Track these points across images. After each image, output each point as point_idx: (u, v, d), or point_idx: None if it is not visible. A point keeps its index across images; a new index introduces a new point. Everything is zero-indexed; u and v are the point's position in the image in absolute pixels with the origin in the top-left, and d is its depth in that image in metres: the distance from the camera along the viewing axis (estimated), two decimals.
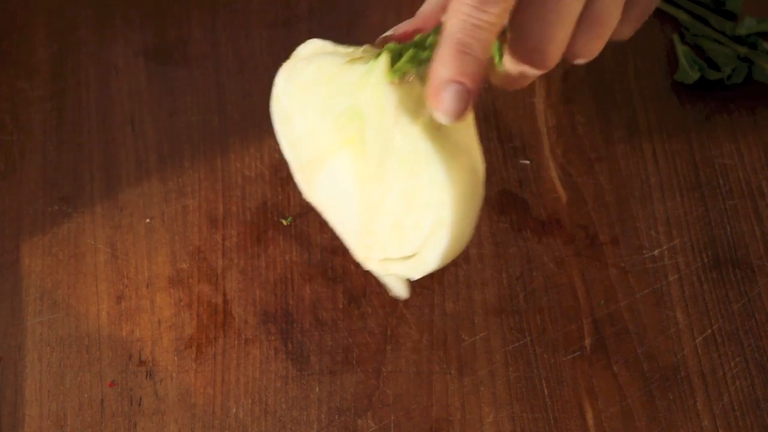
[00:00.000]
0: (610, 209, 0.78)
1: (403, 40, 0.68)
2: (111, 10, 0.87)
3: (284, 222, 0.78)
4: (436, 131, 0.64)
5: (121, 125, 0.82)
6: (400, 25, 0.70)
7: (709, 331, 0.74)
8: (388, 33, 0.70)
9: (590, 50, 0.68)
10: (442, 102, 0.63)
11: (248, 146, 0.81)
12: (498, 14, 0.63)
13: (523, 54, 0.67)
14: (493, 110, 0.81)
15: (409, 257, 0.67)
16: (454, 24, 0.63)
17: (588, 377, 0.72)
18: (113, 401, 0.71)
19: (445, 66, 0.63)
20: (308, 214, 0.78)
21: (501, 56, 0.66)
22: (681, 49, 0.85)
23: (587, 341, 0.74)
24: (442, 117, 0.63)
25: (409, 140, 0.64)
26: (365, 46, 0.68)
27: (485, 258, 0.76)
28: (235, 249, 0.77)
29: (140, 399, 0.71)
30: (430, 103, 0.64)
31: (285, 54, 0.85)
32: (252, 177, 0.80)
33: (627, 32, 0.71)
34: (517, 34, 0.66)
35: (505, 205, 0.78)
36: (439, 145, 0.64)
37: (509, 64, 0.68)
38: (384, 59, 0.65)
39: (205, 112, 0.83)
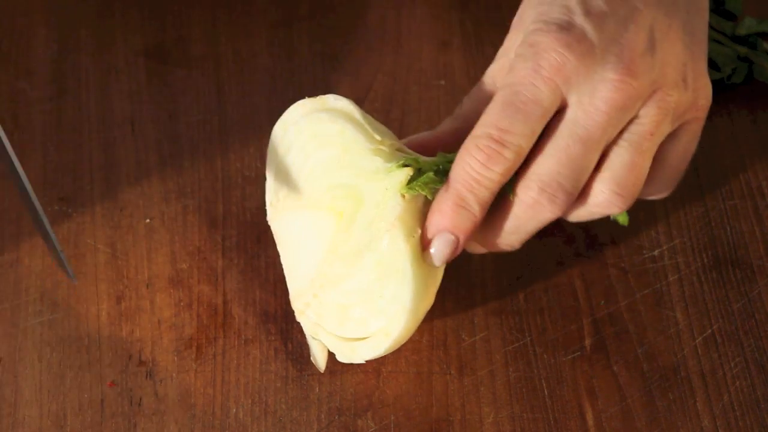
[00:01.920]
0: None
1: (425, 150, 0.70)
2: (111, 10, 0.87)
3: None
4: (420, 253, 0.67)
5: (121, 125, 0.82)
6: (424, 134, 0.72)
7: (709, 331, 0.74)
8: (413, 138, 0.72)
9: (582, 218, 0.69)
10: (433, 246, 0.66)
11: (248, 146, 0.81)
12: (501, 173, 0.65)
13: (488, 245, 0.70)
14: None
15: (342, 339, 0.69)
16: (458, 174, 0.66)
17: (588, 377, 0.72)
18: (113, 401, 0.71)
19: (442, 217, 0.66)
20: None
21: (513, 192, 0.67)
22: None
23: (587, 341, 0.74)
24: (428, 258, 0.67)
25: (394, 253, 0.66)
26: (391, 141, 0.69)
27: (485, 258, 0.76)
28: (235, 249, 0.77)
29: (140, 399, 0.71)
30: (422, 241, 0.66)
31: (285, 54, 0.85)
32: (252, 177, 0.80)
33: (659, 193, 0.71)
34: (483, 233, 0.68)
35: None
36: (418, 269, 0.66)
37: (476, 247, 0.71)
38: (405, 173, 0.67)
39: (205, 112, 0.83)
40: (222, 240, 0.77)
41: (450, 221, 0.66)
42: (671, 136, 0.68)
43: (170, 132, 0.82)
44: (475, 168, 0.65)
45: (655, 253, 0.77)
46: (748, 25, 0.85)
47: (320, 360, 0.71)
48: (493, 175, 0.65)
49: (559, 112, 0.66)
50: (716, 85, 0.83)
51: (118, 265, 0.76)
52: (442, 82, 0.83)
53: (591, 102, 0.65)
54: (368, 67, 0.84)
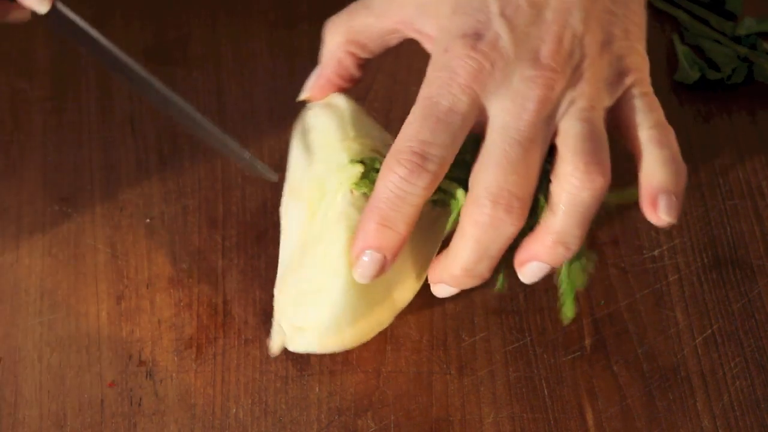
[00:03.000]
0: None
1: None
2: (111, 10, 0.87)
3: None
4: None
5: (121, 125, 0.82)
6: (312, 82, 0.72)
7: (709, 331, 0.74)
8: (303, 96, 0.72)
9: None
10: (360, 266, 0.65)
11: (248, 146, 0.81)
12: (425, 187, 0.64)
13: (457, 283, 0.68)
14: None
15: (293, 327, 0.69)
16: (381, 193, 0.64)
17: (588, 377, 0.72)
18: (113, 401, 0.71)
19: (366, 235, 0.65)
20: None
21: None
22: (681, 49, 0.85)
23: (587, 341, 0.74)
24: (357, 277, 0.66)
25: (334, 245, 0.66)
26: (370, 140, 0.69)
27: None
28: (235, 249, 0.77)
29: (140, 399, 0.71)
30: (350, 256, 0.66)
31: (285, 54, 0.85)
32: (252, 177, 0.80)
33: (673, 177, 0.67)
34: (447, 271, 0.67)
35: None
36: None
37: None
38: (357, 169, 0.67)
39: (205, 112, 0.83)
40: (222, 240, 0.77)
41: (375, 240, 0.64)
42: (621, 102, 0.67)
43: (170, 132, 0.82)
44: (397, 184, 0.63)
45: (655, 253, 0.77)
46: (748, 25, 0.85)
47: (274, 344, 0.71)
48: (417, 189, 0.63)
49: (486, 124, 0.65)
50: (716, 85, 0.83)
51: (118, 265, 0.76)
52: None
53: (515, 103, 0.64)
54: (368, 67, 0.84)
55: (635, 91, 0.67)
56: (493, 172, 0.63)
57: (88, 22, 0.87)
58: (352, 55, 0.71)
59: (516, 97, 0.64)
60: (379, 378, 0.72)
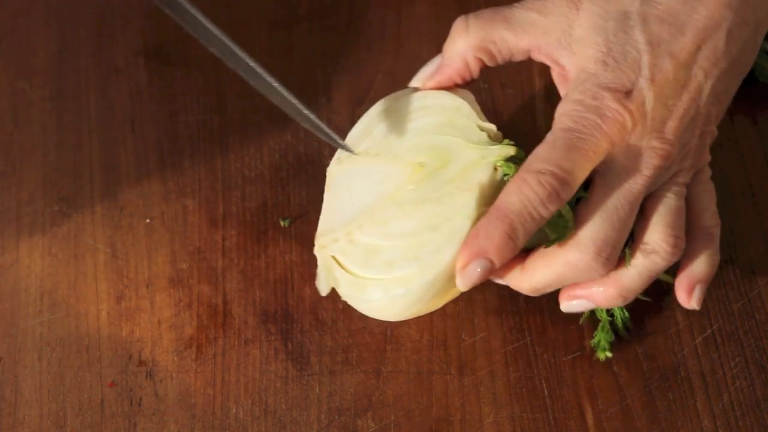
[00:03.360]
0: None
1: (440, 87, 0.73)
2: (111, 10, 0.87)
3: (282, 223, 0.78)
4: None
5: (121, 125, 0.82)
6: (430, 72, 0.73)
7: (709, 331, 0.74)
8: (416, 83, 0.74)
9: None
10: (467, 271, 0.66)
11: (248, 146, 0.81)
12: (553, 212, 0.66)
13: (518, 285, 0.70)
14: (493, 110, 0.81)
15: (357, 276, 0.69)
16: (514, 205, 0.66)
17: (588, 377, 0.72)
18: (113, 401, 0.71)
19: (488, 241, 0.66)
20: (308, 214, 0.78)
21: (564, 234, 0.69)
22: None
23: (587, 341, 0.74)
24: (459, 280, 0.67)
25: (460, 210, 0.67)
26: (497, 139, 0.71)
27: None
28: (235, 249, 0.77)
29: (140, 399, 0.71)
30: (456, 263, 0.66)
31: (285, 54, 0.85)
32: (252, 177, 0.80)
33: (711, 257, 0.72)
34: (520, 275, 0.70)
35: None
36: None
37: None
38: (508, 150, 0.69)
39: (205, 112, 0.83)
40: (222, 240, 0.77)
41: (495, 248, 0.66)
42: (691, 183, 0.71)
43: (170, 132, 0.82)
44: (532, 201, 0.65)
45: None
46: None
47: (323, 286, 0.71)
48: (547, 213, 0.66)
49: (602, 167, 0.68)
50: None
51: (118, 265, 0.76)
52: None
53: (636, 166, 0.67)
54: (368, 67, 0.84)
55: (703, 177, 0.72)
56: (602, 225, 0.67)
57: (89, 22, 0.87)
58: (479, 60, 0.72)
59: (638, 160, 0.67)
60: (379, 378, 0.72)
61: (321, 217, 0.73)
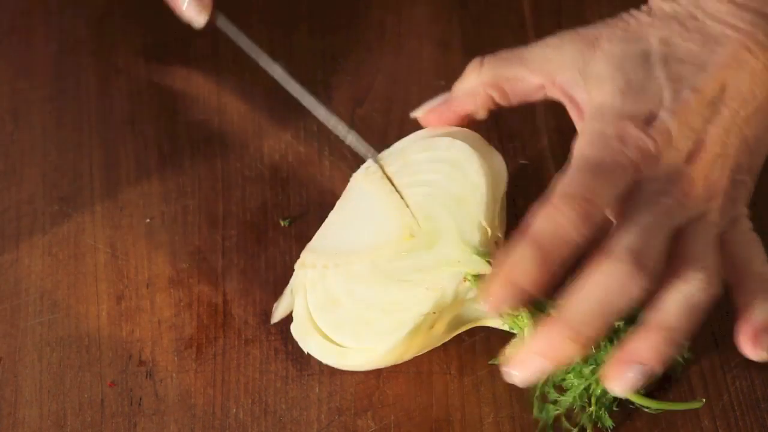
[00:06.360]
0: None
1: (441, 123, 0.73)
2: (111, 10, 0.87)
3: (282, 223, 0.78)
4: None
5: (121, 125, 0.82)
6: (434, 106, 0.74)
7: (709, 331, 0.74)
8: (418, 113, 0.74)
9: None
10: (498, 298, 0.63)
11: (248, 146, 0.81)
12: (586, 235, 0.64)
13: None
14: (494, 110, 0.81)
15: (308, 324, 0.70)
16: (543, 228, 0.63)
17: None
18: (113, 401, 0.71)
19: (516, 270, 0.63)
20: (308, 214, 0.78)
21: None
22: None
23: None
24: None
25: (416, 306, 0.68)
26: (498, 231, 0.70)
27: None
28: (235, 249, 0.77)
29: (140, 399, 0.71)
30: (488, 295, 0.64)
31: (285, 54, 0.85)
32: (252, 177, 0.80)
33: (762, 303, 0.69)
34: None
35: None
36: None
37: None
38: (482, 267, 0.67)
39: (205, 112, 0.83)
40: (222, 240, 0.77)
41: (524, 275, 0.63)
42: (731, 230, 0.69)
43: (170, 132, 0.82)
44: (563, 224, 0.63)
45: None
46: None
47: (278, 313, 0.72)
48: (579, 237, 0.63)
49: (633, 191, 0.67)
50: None
51: (118, 265, 0.76)
52: (442, 82, 0.83)
53: (664, 192, 0.66)
54: (368, 67, 0.84)
55: (743, 227, 0.70)
56: (634, 236, 0.64)
57: (89, 22, 0.87)
58: (489, 98, 0.72)
59: (664, 187, 0.66)
60: (379, 378, 0.72)
61: (324, 225, 0.73)
